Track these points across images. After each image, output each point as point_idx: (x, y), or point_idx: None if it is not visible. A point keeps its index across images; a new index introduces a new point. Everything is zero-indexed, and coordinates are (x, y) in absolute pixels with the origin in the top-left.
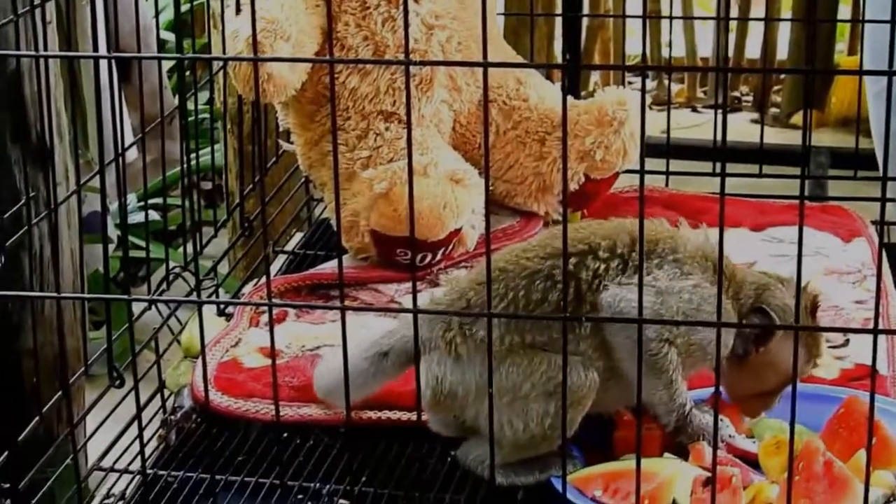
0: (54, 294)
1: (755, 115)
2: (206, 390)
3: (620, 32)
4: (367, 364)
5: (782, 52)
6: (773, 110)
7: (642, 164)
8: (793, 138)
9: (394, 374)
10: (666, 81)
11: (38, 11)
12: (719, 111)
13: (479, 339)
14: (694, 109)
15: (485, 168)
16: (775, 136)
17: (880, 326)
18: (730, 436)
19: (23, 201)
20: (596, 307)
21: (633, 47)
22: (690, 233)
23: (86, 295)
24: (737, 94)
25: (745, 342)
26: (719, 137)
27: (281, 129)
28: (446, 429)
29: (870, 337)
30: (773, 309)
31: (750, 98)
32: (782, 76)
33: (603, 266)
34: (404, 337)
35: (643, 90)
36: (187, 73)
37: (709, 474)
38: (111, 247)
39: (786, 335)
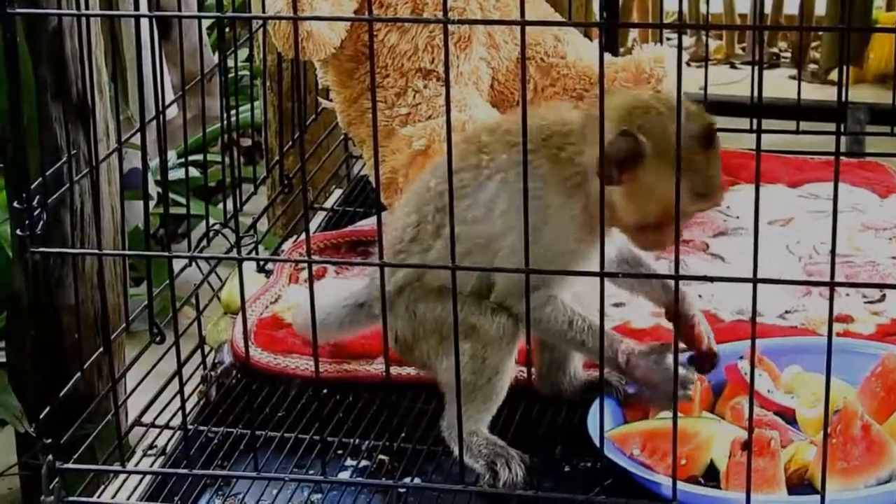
0: (95, 250)
1: (794, 72)
2: (247, 346)
3: None
4: (346, 312)
5: (820, 8)
6: (813, 66)
7: (678, 121)
8: (831, 94)
9: (368, 324)
10: (704, 38)
11: None
12: (756, 68)
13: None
14: (732, 66)
15: (521, 125)
16: (814, 93)
17: None
18: (768, 391)
19: (64, 159)
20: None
21: (672, 4)
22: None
23: (126, 252)
24: (775, 50)
25: (610, 166)
26: (756, 94)
27: (320, 86)
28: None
29: None
30: (644, 132)
31: (788, 54)
32: (821, 32)
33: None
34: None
35: (679, 47)
36: (227, 30)
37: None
38: (151, 203)
39: (660, 161)
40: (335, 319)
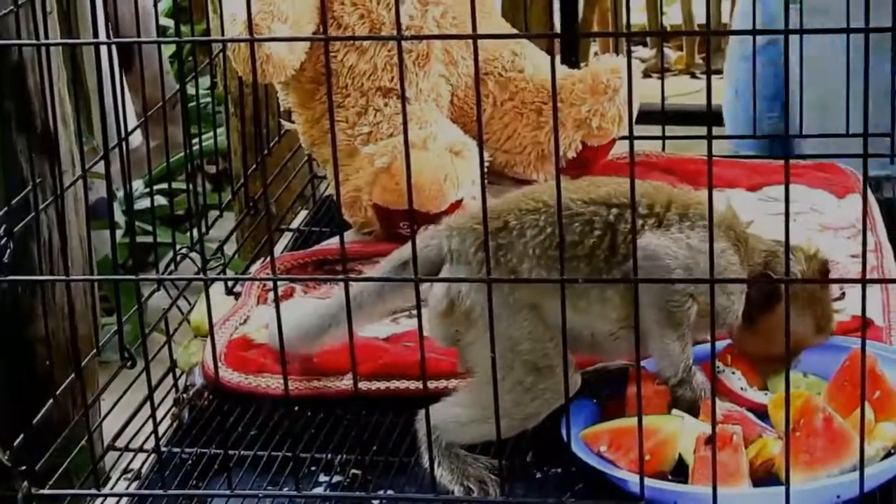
0: (63, 277)
1: None
2: (217, 367)
3: (616, 1)
4: (394, 274)
5: None
6: None
7: (631, 129)
8: None
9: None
10: (660, 46)
11: (38, 1)
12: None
13: (510, 268)
14: (693, 76)
15: (478, 138)
16: None
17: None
18: (741, 388)
19: (29, 188)
20: (628, 259)
21: (634, 17)
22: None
23: (94, 276)
24: None
25: (751, 307)
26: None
27: (282, 108)
28: (444, 340)
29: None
30: (778, 275)
31: None
32: None
33: (640, 221)
34: (428, 246)
35: (629, 56)
36: (188, 58)
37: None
38: (119, 233)
39: (793, 303)
40: (312, 331)
